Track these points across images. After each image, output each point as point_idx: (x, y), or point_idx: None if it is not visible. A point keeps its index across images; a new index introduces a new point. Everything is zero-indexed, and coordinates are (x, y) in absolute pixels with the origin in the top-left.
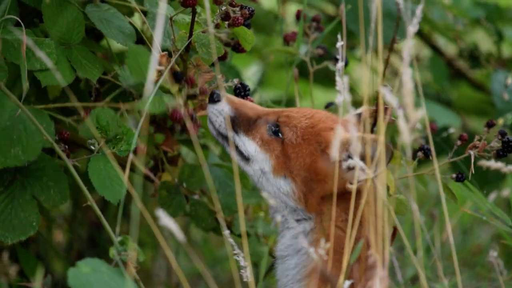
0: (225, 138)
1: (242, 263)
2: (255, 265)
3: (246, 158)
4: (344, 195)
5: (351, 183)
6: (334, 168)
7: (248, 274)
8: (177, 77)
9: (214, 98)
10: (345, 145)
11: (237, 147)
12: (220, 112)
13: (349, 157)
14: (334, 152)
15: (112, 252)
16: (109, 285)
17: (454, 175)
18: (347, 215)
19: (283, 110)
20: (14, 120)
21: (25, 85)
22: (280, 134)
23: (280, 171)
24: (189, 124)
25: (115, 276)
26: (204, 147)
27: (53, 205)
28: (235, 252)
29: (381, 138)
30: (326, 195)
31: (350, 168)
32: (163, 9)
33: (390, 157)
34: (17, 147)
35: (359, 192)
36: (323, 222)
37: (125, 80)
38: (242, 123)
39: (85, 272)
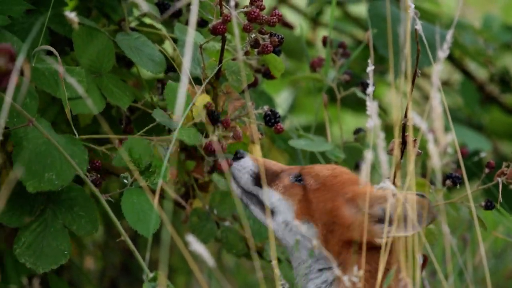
0: (249, 195)
1: None
2: None
3: (272, 212)
4: (369, 248)
5: (379, 237)
6: (359, 218)
7: None
8: (214, 117)
9: (237, 156)
10: (375, 200)
11: (262, 202)
12: (244, 167)
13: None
14: (366, 204)
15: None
16: None
17: (483, 203)
18: (371, 265)
19: (306, 166)
20: (48, 145)
21: (68, 112)
22: (302, 182)
23: (303, 216)
24: (221, 160)
25: None
26: None
27: (84, 234)
28: (281, 283)
29: (412, 194)
30: (348, 243)
31: (378, 221)
32: (191, 36)
33: (432, 219)
34: (51, 172)
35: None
36: (345, 272)
37: (159, 117)
38: (266, 177)
39: None
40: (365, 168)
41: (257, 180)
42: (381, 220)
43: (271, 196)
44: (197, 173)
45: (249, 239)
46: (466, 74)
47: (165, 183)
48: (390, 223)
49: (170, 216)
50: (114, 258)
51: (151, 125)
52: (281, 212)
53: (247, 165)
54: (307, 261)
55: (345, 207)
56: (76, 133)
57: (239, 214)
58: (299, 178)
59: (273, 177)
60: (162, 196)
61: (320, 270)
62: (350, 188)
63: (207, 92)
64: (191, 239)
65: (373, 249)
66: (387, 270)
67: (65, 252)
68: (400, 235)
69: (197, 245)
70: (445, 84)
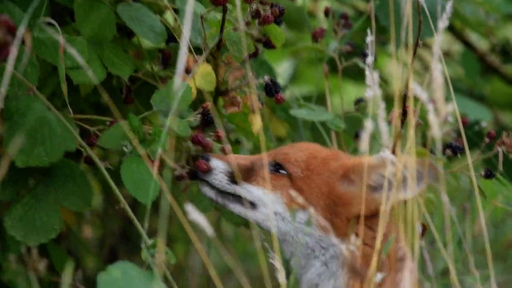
0: (225, 195)
1: (276, 265)
2: (286, 262)
3: (252, 204)
4: (373, 216)
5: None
6: (359, 191)
7: (282, 275)
8: (207, 120)
9: (204, 159)
10: (375, 168)
11: (240, 198)
12: (216, 168)
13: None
14: (363, 176)
15: (144, 255)
16: None
17: (483, 172)
18: (374, 231)
19: (274, 151)
20: (40, 122)
21: (64, 87)
22: (283, 171)
23: (296, 205)
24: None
25: (146, 279)
26: (236, 142)
27: (77, 210)
28: (270, 256)
29: (412, 159)
30: (353, 217)
31: (379, 190)
32: (191, 5)
33: (435, 178)
34: (40, 148)
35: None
36: (351, 244)
37: (156, 104)
38: (240, 173)
39: (115, 277)
40: (365, 137)
41: (231, 177)
42: (380, 187)
43: (250, 190)
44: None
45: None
46: (467, 44)
47: (164, 152)
48: (390, 188)
49: (169, 185)
50: (113, 226)
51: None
52: (267, 204)
53: (217, 165)
54: (308, 244)
55: (340, 185)
56: (70, 109)
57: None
58: (278, 168)
59: (246, 171)
60: (163, 166)
61: (324, 248)
62: (337, 165)
63: (208, 62)
64: (190, 208)
65: (376, 219)
66: (385, 236)
67: (56, 227)
68: (402, 198)
69: (196, 215)
70: (446, 55)
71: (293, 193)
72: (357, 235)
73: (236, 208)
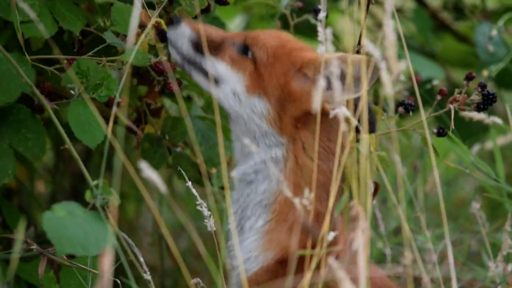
0: (191, 62)
1: (205, 213)
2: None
3: (215, 80)
4: (321, 120)
5: (329, 103)
6: (309, 87)
7: (211, 223)
8: (163, 36)
9: (173, 21)
10: (325, 65)
11: (204, 70)
12: (182, 33)
13: (328, 77)
14: (311, 71)
15: (88, 195)
16: (85, 228)
17: (435, 130)
18: (322, 145)
19: (248, 32)
20: None
21: (20, 37)
22: (250, 54)
23: (254, 90)
24: (172, 78)
25: (91, 219)
26: (188, 99)
27: (32, 157)
28: (198, 203)
29: (363, 57)
30: (301, 117)
31: (329, 89)
32: None
33: (375, 78)
34: None
35: (336, 117)
36: (295, 150)
37: (110, 38)
38: (208, 45)
39: (60, 216)
40: (318, 95)
41: (197, 46)
42: (329, 86)
43: (216, 65)
44: (149, 98)
45: (200, 165)
46: (419, 1)
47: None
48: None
49: (122, 142)
50: (64, 182)
51: (101, 46)
52: (229, 82)
53: (184, 31)
54: (254, 134)
55: (295, 79)
56: (27, 55)
57: (191, 140)
58: (246, 50)
59: (215, 45)
60: (115, 122)
61: (269, 145)
62: (299, 56)
63: (161, 17)
64: (144, 165)
65: (326, 123)
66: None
67: (9, 172)
68: (351, 97)
69: (149, 172)
70: (398, 11)
71: (253, 76)
72: (300, 139)
73: (199, 79)
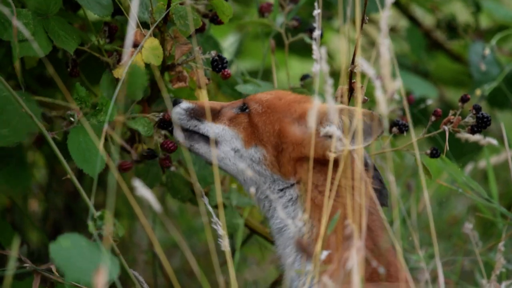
0: (191, 134)
1: (219, 231)
2: (231, 237)
3: (215, 142)
4: (324, 162)
5: (330, 151)
6: (309, 134)
7: (225, 243)
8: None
9: (175, 103)
10: (324, 116)
11: (203, 135)
12: (183, 108)
13: (329, 126)
14: (311, 121)
15: (91, 227)
16: (89, 258)
17: (428, 151)
18: (342, 185)
19: (250, 95)
20: (2, 101)
21: (17, 64)
22: (247, 110)
23: (251, 142)
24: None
25: (94, 249)
26: None
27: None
28: (213, 220)
29: (359, 109)
30: (301, 159)
31: (330, 137)
32: None
33: (381, 131)
34: (5, 128)
35: (337, 162)
36: (307, 191)
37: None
38: (206, 113)
39: (65, 246)
40: (313, 114)
41: (196, 114)
42: (331, 136)
43: (215, 128)
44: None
45: (194, 184)
46: (413, 20)
47: (110, 126)
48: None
49: (116, 160)
50: (57, 201)
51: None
52: (227, 141)
53: (184, 106)
54: (265, 185)
55: (293, 125)
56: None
57: (185, 159)
58: (244, 107)
59: (214, 114)
60: (107, 139)
61: (281, 190)
62: (298, 107)
63: (155, 36)
64: (138, 183)
65: (327, 165)
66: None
67: None
68: (353, 148)
69: (143, 190)
70: (392, 30)
71: (249, 128)
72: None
73: (201, 148)
